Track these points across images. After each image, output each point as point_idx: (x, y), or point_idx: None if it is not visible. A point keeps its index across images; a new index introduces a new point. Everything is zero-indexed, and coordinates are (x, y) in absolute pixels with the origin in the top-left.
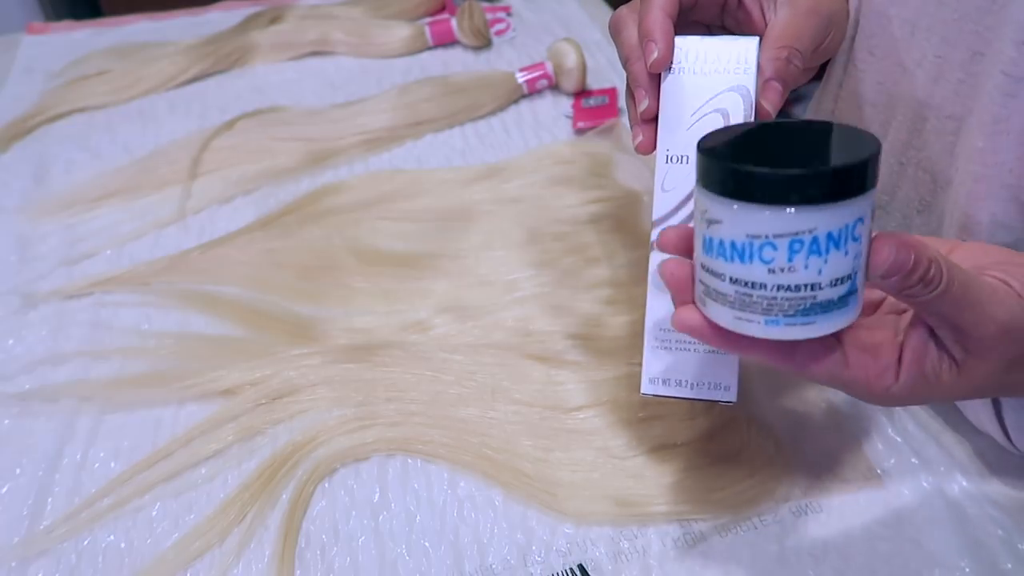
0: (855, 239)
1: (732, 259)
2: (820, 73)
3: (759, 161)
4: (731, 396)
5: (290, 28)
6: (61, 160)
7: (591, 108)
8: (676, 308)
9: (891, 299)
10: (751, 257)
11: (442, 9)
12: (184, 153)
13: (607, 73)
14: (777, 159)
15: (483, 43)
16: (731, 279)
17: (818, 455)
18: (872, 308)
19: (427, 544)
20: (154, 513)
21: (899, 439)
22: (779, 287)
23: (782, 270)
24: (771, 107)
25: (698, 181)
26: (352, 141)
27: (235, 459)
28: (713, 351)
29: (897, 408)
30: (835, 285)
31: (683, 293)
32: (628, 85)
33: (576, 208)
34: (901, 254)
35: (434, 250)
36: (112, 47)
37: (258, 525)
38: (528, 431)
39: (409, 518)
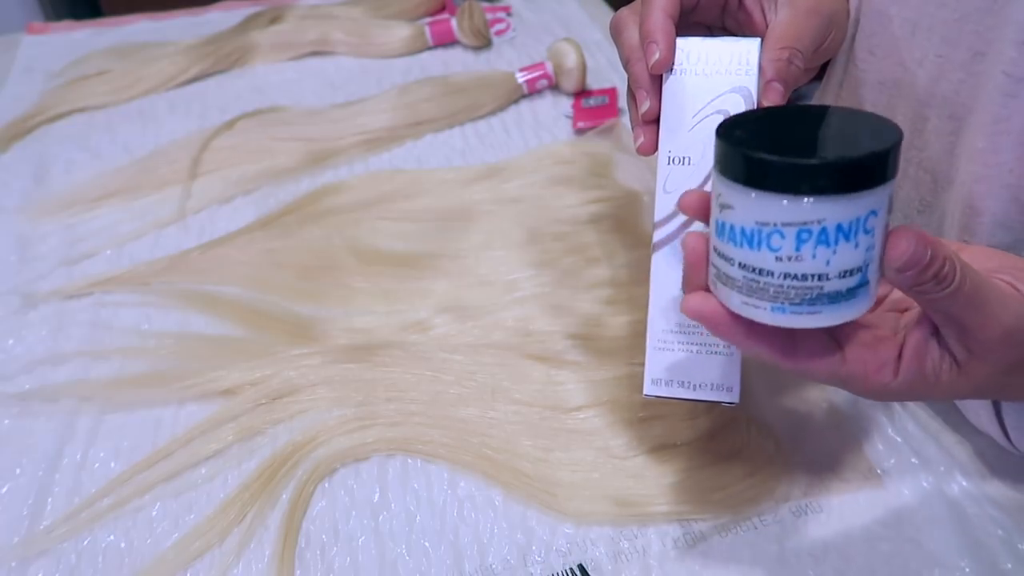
0: (867, 232)
1: (741, 245)
2: (821, 73)
3: (774, 147)
4: (734, 397)
5: (290, 28)
6: (61, 160)
7: (591, 108)
8: (686, 292)
9: (893, 296)
10: (759, 244)
11: (442, 9)
12: (184, 153)
13: (607, 73)
14: (794, 146)
15: (483, 43)
16: (740, 264)
17: (818, 455)
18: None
19: (427, 544)
20: (154, 513)
21: (899, 439)
22: (786, 275)
23: (789, 259)
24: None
25: (715, 165)
26: (352, 141)
27: (235, 459)
28: (715, 352)
29: (897, 408)
30: (844, 277)
31: (697, 270)
32: (629, 86)
33: (576, 208)
34: (919, 248)
35: (434, 250)
36: (112, 47)
37: (258, 525)
38: (528, 431)
39: (409, 518)
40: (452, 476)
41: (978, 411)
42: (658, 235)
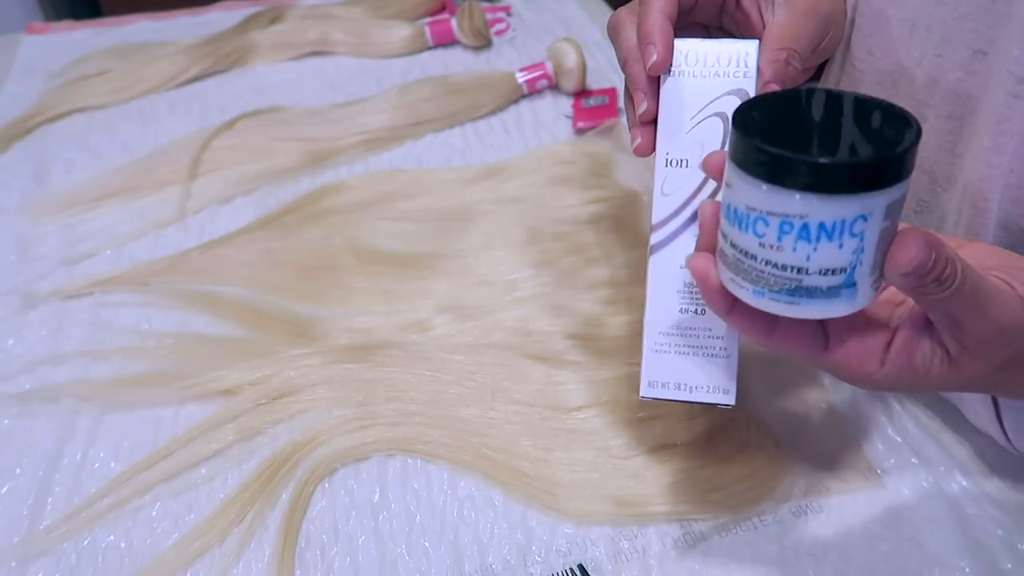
0: (853, 235)
1: (734, 224)
2: (818, 73)
3: (775, 135)
4: (730, 399)
5: (290, 28)
6: (61, 160)
7: (591, 108)
8: (695, 252)
9: (890, 289)
10: (746, 227)
11: (442, 9)
12: (184, 153)
13: (607, 73)
14: (795, 136)
15: (483, 43)
16: (731, 243)
17: (818, 455)
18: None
19: (427, 544)
20: (154, 513)
21: (899, 439)
22: (767, 262)
23: (771, 247)
24: None
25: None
26: (352, 141)
27: (235, 459)
28: (712, 355)
29: (897, 408)
30: (824, 275)
31: (708, 234)
32: (627, 87)
33: (576, 208)
34: (925, 254)
35: (434, 250)
36: (112, 47)
37: (258, 525)
38: (528, 431)
39: (409, 518)
40: (452, 476)
41: (978, 411)
42: (655, 237)
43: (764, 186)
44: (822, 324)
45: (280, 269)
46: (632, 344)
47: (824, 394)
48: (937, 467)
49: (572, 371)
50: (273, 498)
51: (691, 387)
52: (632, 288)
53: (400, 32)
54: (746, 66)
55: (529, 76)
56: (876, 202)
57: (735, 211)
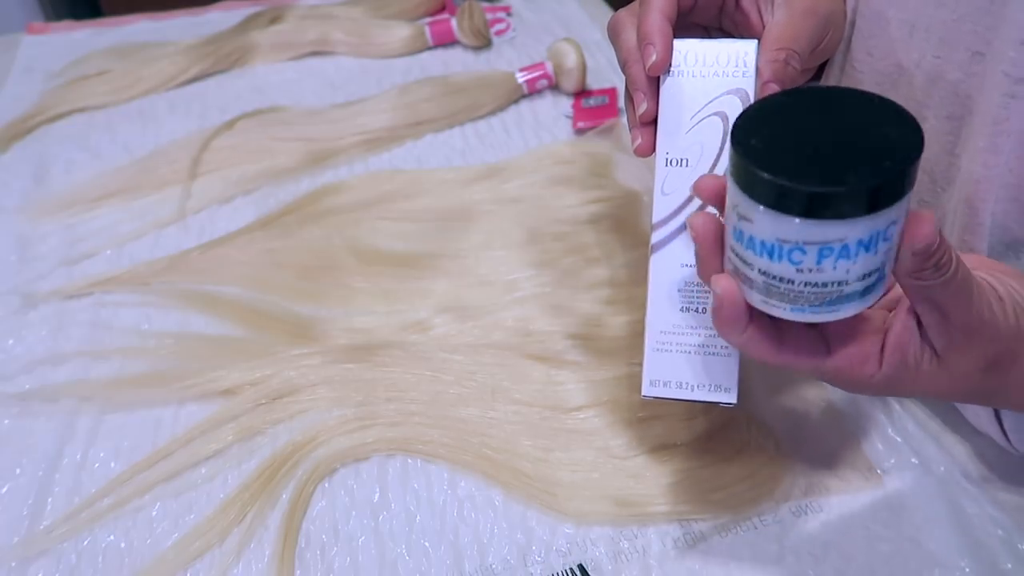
0: (886, 239)
1: (761, 255)
2: (818, 74)
3: (791, 164)
4: (732, 398)
5: (290, 28)
6: (61, 160)
7: (591, 108)
8: (701, 275)
9: (890, 295)
10: (780, 257)
11: (442, 9)
12: (184, 153)
13: (607, 73)
14: (811, 160)
15: (483, 43)
16: (760, 271)
17: (818, 455)
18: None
19: (427, 544)
20: (154, 513)
21: (899, 439)
22: (807, 283)
23: (810, 271)
24: None
25: (730, 172)
26: (352, 141)
27: (235, 459)
28: (714, 353)
29: (897, 408)
30: (863, 279)
31: (710, 254)
32: (627, 88)
33: (576, 208)
34: (935, 232)
35: (434, 250)
36: (112, 47)
37: (258, 525)
38: (528, 431)
39: (409, 518)
40: (452, 476)
41: (977, 411)
42: (656, 237)
43: (797, 220)
44: (822, 333)
45: (280, 269)
46: (632, 344)
47: (824, 393)
48: (937, 467)
49: (572, 371)
50: (273, 498)
51: (693, 386)
52: (632, 288)
53: (400, 32)
54: (745, 66)
55: (529, 76)
56: (903, 205)
57: (761, 243)
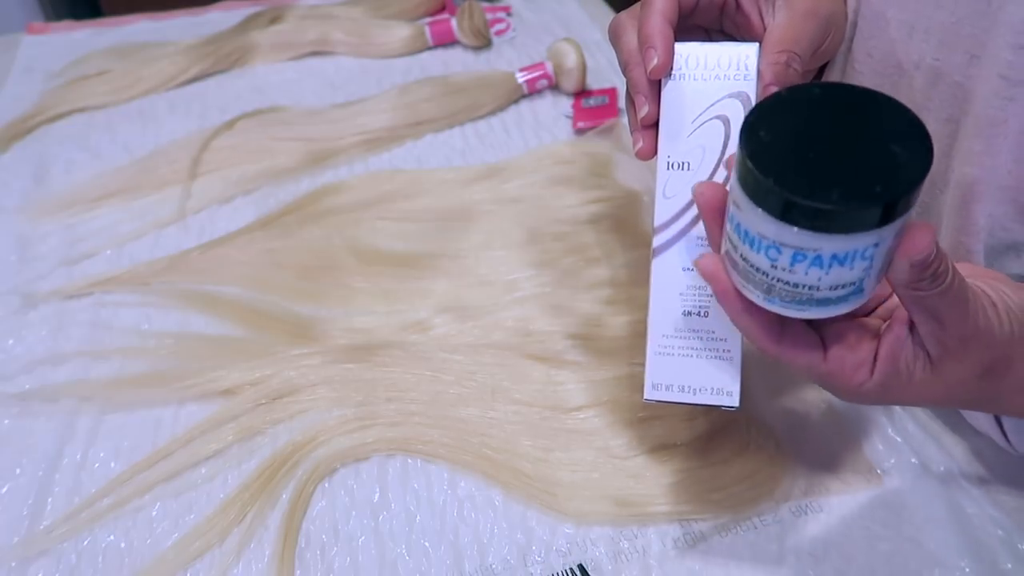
0: (865, 258)
1: (744, 242)
2: (819, 75)
3: (785, 165)
4: (734, 401)
5: (290, 28)
6: (61, 160)
7: (591, 108)
8: (703, 254)
9: (888, 304)
10: (758, 250)
11: (442, 9)
12: (184, 153)
13: (607, 73)
14: (806, 166)
15: (483, 43)
16: (742, 256)
17: (818, 455)
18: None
19: (427, 544)
20: (154, 513)
21: (899, 439)
22: (779, 280)
23: (783, 269)
24: None
25: (737, 153)
26: (352, 141)
27: (235, 459)
28: (716, 356)
29: (897, 408)
30: (835, 289)
31: (710, 217)
32: (628, 91)
33: (576, 208)
34: (933, 244)
35: (434, 250)
36: (112, 47)
37: (258, 525)
38: (528, 431)
39: (409, 518)
40: (452, 476)
41: (976, 413)
42: (658, 240)
43: (776, 221)
44: (820, 335)
45: (280, 269)
46: (632, 344)
47: (824, 395)
48: (937, 467)
49: (572, 371)
50: (273, 498)
51: (695, 389)
52: (632, 288)
53: (400, 32)
54: (746, 69)
55: (529, 76)
56: (889, 231)
57: (746, 232)
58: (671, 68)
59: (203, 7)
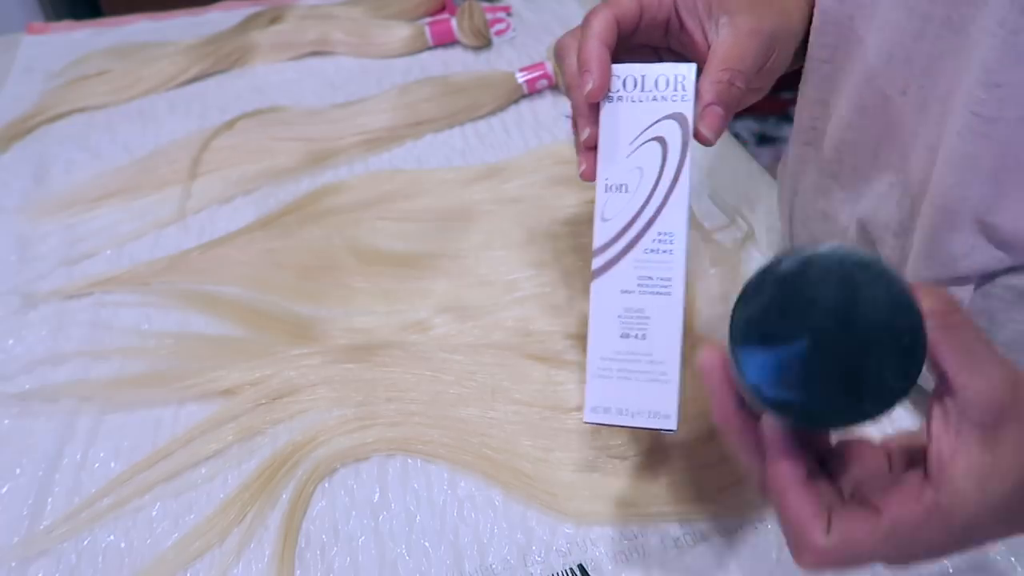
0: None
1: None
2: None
3: (779, 360)
4: (671, 424)
5: (290, 28)
6: (61, 160)
7: None
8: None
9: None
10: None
11: (442, 9)
12: (184, 153)
13: None
14: (799, 367)
15: (483, 43)
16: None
17: None
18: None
19: (427, 544)
20: (154, 513)
21: None
22: None
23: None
24: (710, 133)
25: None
26: (352, 141)
27: (235, 459)
28: (654, 380)
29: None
30: None
31: (716, 383)
32: (572, 113)
33: (576, 208)
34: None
35: (434, 250)
36: (112, 47)
37: (258, 525)
38: (528, 431)
39: (409, 518)
40: (452, 476)
41: None
42: (597, 262)
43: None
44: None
45: (280, 269)
46: None
47: None
48: None
49: (572, 371)
50: (273, 498)
51: (633, 412)
52: None
53: (400, 32)
54: (683, 89)
55: (529, 76)
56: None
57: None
58: (608, 90)
59: (203, 7)
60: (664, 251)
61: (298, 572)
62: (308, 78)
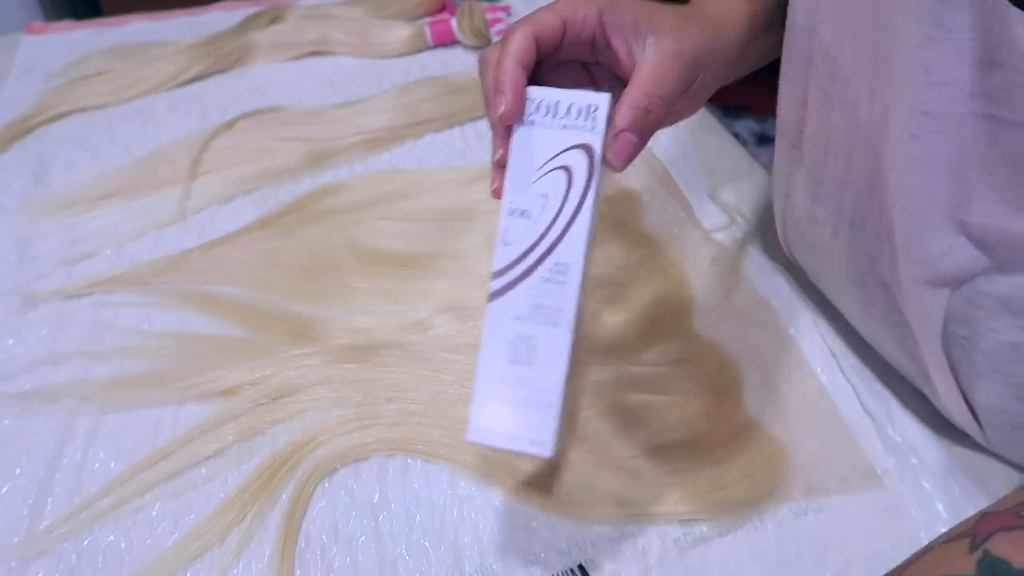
0: None
1: None
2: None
3: None
4: (546, 452)
5: (290, 28)
6: (61, 160)
7: None
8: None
9: None
10: None
11: (442, 9)
12: (184, 153)
13: None
14: None
15: (483, 43)
16: None
17: (818, 455)
18: None
19: (427, 544)
20: (154, 513)
21: (899, 439)
22: None
23: None
24: (619, 162)
25: None
26: (352, 141)
27: (235, 459)
28: (535, 407)
29: (897, 408)
30: None
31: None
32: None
33: None
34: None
35: (434, 250)
36: (112, 47)
37: (258, 525)
38: None
39: (409, 518)
40: (452, 476)
41: (963, 412)
42: (494, 285)
43: None
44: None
45: (280, 269)
46: (632, 344)
47: (824, 393)
48: (937, 467)
49: None
50: (273, 498)
51: (513, 437)
52: (632, 288)
53: (400, 32)
54: (595, 120)
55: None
56: None
57: None
58: (519, 114)
59: (203, 7)
60: (559, 282)
61: (298, 572)
62: (308, 78)
